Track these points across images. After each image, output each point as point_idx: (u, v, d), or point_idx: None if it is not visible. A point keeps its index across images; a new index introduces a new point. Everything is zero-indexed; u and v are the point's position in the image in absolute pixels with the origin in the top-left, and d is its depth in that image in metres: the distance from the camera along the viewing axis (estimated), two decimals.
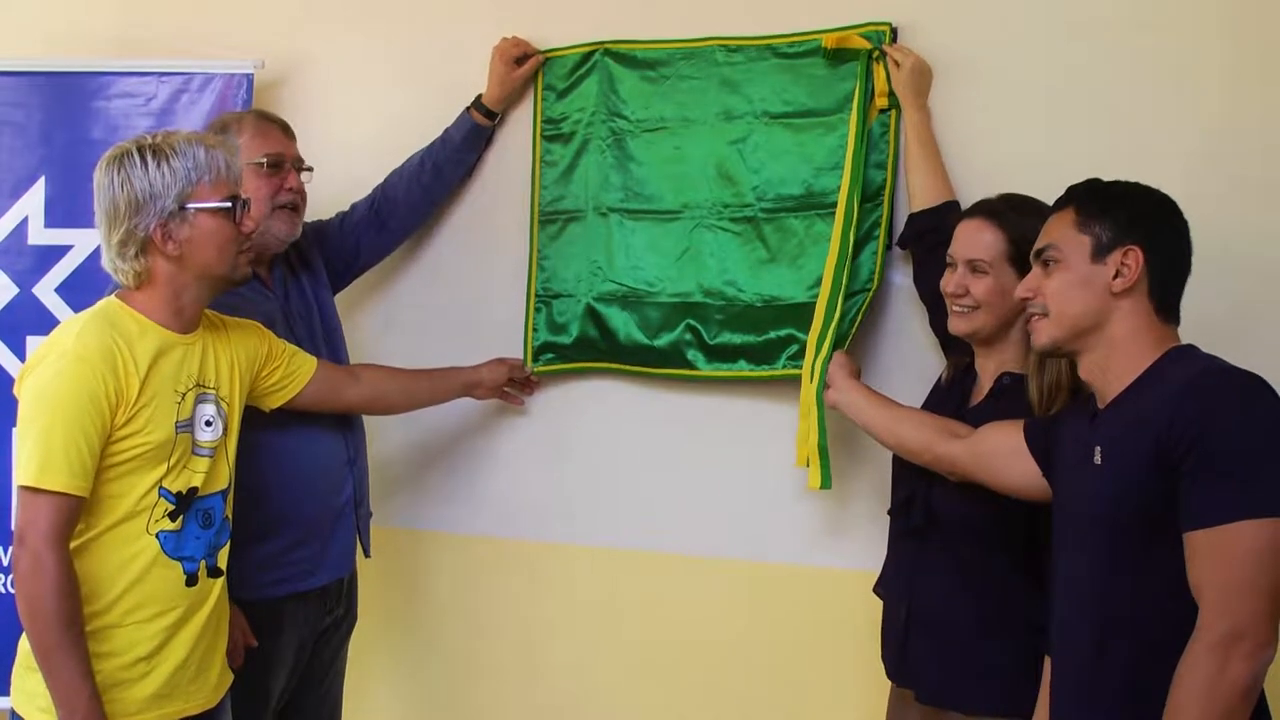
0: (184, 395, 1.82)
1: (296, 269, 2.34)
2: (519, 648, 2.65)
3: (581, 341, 2.49)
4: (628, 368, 2.45)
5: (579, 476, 2.57)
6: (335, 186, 2.53)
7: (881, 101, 2.22)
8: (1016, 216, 1.89)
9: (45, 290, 2.61)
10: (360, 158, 2.60)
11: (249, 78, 2.63)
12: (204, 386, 1.87)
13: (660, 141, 2.41)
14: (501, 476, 2.64)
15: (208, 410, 1.87)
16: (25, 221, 2.64)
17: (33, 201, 2.63)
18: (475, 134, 2.53)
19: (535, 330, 2.55)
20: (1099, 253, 1.61)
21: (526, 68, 2.50)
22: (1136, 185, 1.66)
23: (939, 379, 2.09)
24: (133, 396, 1.73)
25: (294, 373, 2.09)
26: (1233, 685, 1.43)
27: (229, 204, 1.83)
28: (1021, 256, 1.86)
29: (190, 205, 1.79)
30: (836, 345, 2.12)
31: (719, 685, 2.46)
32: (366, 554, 2.40)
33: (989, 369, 1.96)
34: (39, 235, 2.63)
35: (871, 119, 2.22)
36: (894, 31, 2.23)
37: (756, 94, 2.33)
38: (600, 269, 2.47)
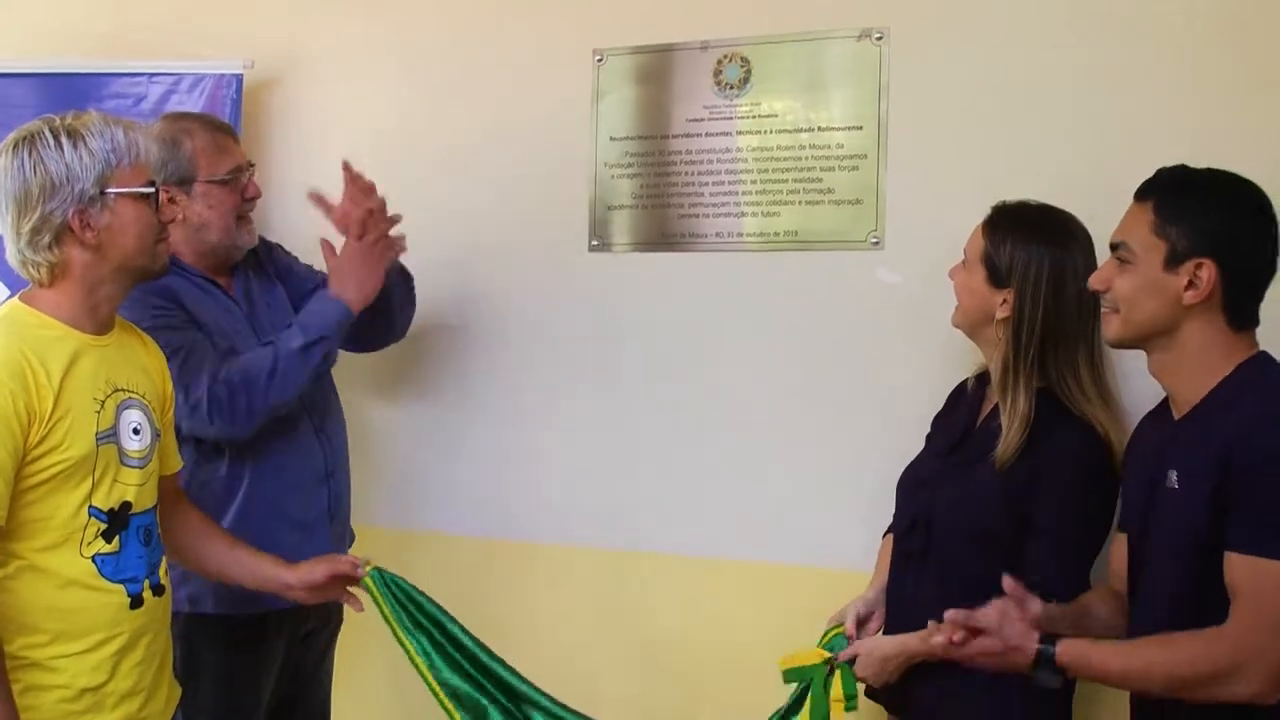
0: (103, 403, 1.68)
1: (271, 275, 2.32)
2: (513, 650, 2.63)
3: None
4: None
5: (575, 477, 2.55)
6: (327, 191, 2.51)
7: (839, 708, 1.93)
8: (998, 228, 1.88)
9: None
10: (354, 161, 2.56)
11: (238, 78, 2.63)
12: (125, 391, 1.73)
13: None
14: (496, 477, 2.62)
15: (133, 417, 1.74)
16: None
17: None
18: None
19: None
20: (1172, 261, 1.55)
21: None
22: (1221, 182, 1.60)
23: (962, 384, 2.06)
24: (46, 411, 1.60)
25: (162, 452, 1.88)
26: (1217, 695, 1.44)
27: (150, 189, 1.71)
28: (993, 267, 1.85)
29: (110, 190, 1.67)
30: None
31: (717, 687, 2.44)
32: None
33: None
34: None
35: None
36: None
37: None
38: None
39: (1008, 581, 1.57)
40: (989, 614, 1.54)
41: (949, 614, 1.56)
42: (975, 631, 1.55)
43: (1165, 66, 2.08)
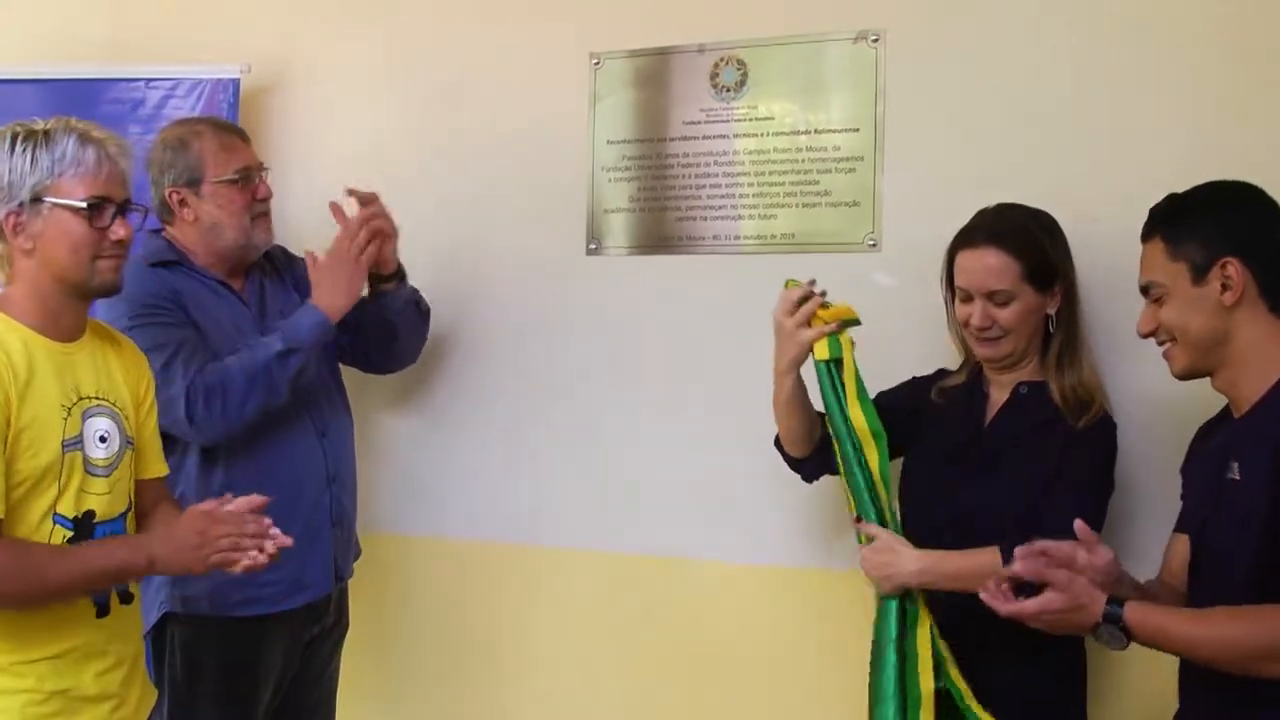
0: (69, 410, 1.67)
1: (289, 283, 2.34)
2: (513, 653, 2.63)
3: None
4: None
5: (574, 480, 2.54)
6: (325, 195, 2.51)
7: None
8: (1013, 230, 1.88)
9: None
10: (351, 165, 2.58)
11: (235, 83, 2.64)
12: (93, 399, 1.72)
13: None
14: (495, 480, 2.61)
15: (101, 424, 1.72)
16: None
17: None
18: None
19: None
20: (1198, 275, 1.59)
21: None
22: (1212, 190, 1.64)
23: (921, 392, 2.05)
24: (12, 414, 1.60)
25: (143, 453, 1.86)
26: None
27: (85, 205, 1.67)
28: (1034, 269, 1.87)
29: (47, 199, 1.66)
30: None
31: (716, 689, 2.44)
32: (342, 578, 2.34)
33: (1003, 382, 1.95)
34: None
35: None
36: None
37: None
38: None
39: (1079, 524, 1.57)
40: (1058, 573, 1.53)
41: (1019, 551, 1.54)
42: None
43: (1165, 66, 2.07)
